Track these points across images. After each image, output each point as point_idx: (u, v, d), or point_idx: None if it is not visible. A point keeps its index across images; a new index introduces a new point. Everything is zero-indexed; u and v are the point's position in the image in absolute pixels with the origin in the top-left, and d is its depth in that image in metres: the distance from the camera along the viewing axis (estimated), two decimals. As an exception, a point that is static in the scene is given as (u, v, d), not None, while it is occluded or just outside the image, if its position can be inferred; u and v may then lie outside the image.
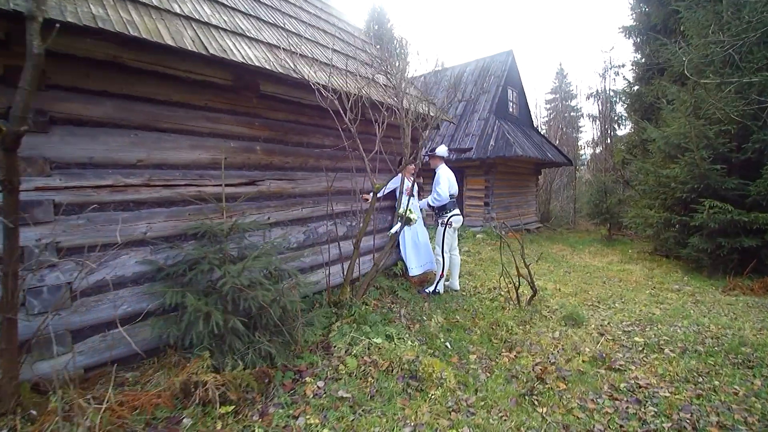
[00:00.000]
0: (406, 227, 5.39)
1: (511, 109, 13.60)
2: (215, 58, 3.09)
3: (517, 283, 4.61)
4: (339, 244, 4.45)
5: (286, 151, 4.18)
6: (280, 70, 3.59)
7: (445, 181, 5.01)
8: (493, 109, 12.53)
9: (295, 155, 4.28)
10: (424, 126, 6.30)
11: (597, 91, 20.66)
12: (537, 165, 14.63)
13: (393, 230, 4.16)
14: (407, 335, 3.65)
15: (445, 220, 5.05)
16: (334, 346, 3.33)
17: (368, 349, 3.30)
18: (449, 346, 3.58)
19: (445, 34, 75.78)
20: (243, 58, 3.31)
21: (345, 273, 4.07)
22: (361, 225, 4.81)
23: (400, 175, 5.50)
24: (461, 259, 7.23)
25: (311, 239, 4.42)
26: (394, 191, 5.49)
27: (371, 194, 5.18)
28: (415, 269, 5.34)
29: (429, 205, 5.31)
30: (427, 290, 5.10)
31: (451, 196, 5.09)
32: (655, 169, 8.58)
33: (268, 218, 3.96)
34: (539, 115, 29.06)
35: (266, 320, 2.96)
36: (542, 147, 13.55)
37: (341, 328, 3.52)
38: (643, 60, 13.12)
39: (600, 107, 20.50)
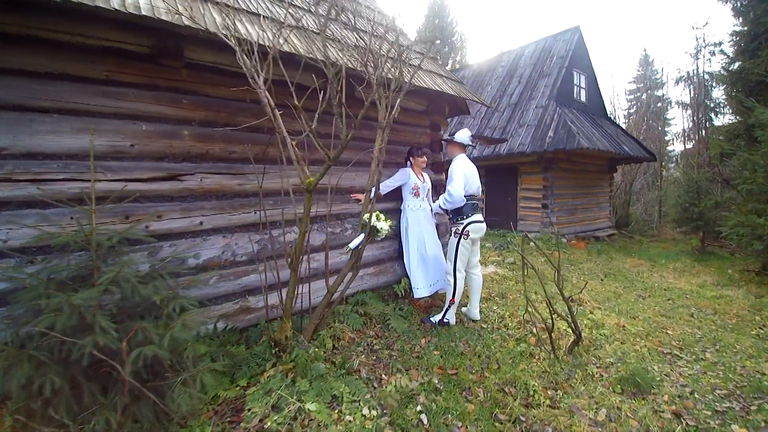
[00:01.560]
0: (410, 234, 4.18)
1: (577, 95, 11.52)
2: (124, 17, 2.24)
3: (551, 324, 3.17)
4: (309, 258, 3.40)
5: (233, 137, 3.23)
6: (212, 30, 2.64)
7: (461, 177, 3.71)
8: (554, 94, 10.63)
9: (249, 143, 3.31)
10: (441, 110, 5.05)
11: (688, 73, 17.28)
12: (611, 160, 12.29)
13: (352, 245, 2.99)
14: (366, 397, 2.48)
15: (460, 228, 3.75)
16: (248, 410, 2.28)
17: (294, 420, 2.20)
18: (425, 422, 2.34)
19: (508, 15, 71.37)
20: (157, 14, 2.42)
21: (285, 301, 2.99)
22: (349, 234, 3.74)
23: (406, 169, 4.32)
24: (494, 275, 5.81)
25: (268, 250, 3.43)
26: (399, 189, 4.31)
27: (370, 193, 4.10)
28: (421, 290, 4.10)
29: (441, 208, 4.03)
30: (432, 319, 3.85)
31: (469, 196, 3.78)
32: (766, 162, 6.33)
33: (200, 223, 3.04)
34: (618, 105, 25.47)
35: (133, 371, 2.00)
36: (617, 139, 11.27)
37: (268, 382, 2.46)
38: (746, 28, 10.30)
39: (692, 93, 17.09)
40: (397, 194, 4.33)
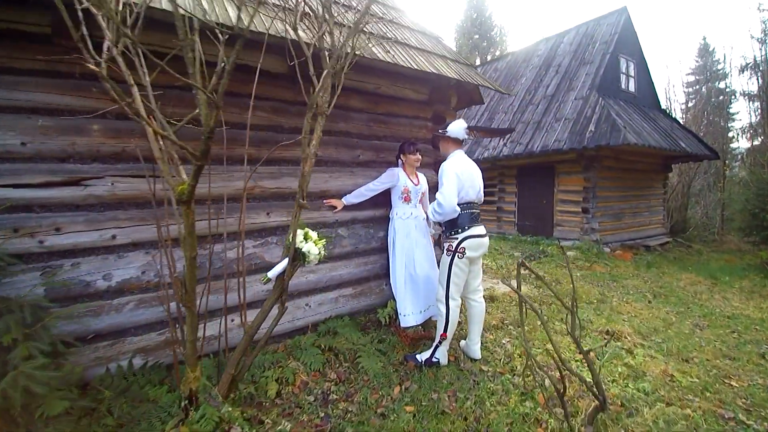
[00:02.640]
0: (397, 247, 3.42)
1: (624, 85, 10.11)
2: None
3: (561, 387, 2.28)
4: (241, 282, 2.75)
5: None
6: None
7: (453, 181, 2.89)
8: (596, 84, 9.35)
9: (184, 139, 2.71)
10: (445, 100, 4.23)
11: (755, 59, 14.98)
12: (665, 158, 10.73)
13: (271, 273, 2.23)
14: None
15: (454, 244, 2.94)
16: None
17: None
18: None
19: (549, 4, 67.48)
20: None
21: (186, 345, 2.30)
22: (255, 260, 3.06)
23: (395, 169, 3.56)
24: (515, 294, 4.85)
25: (204, 269, 2.80)
26: (388, 194, 3.56)
27: (341, 199, 3.40)
28: (409, 317, 3.32)
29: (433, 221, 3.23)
30: (419, 357, 3.06)
31: (465, 204, 2.96)
32: None
33: (113, 237, 2.46)
34: (674, 98, 22.93)
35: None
36: (672, 134, 9.76)
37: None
38: None
39: (759, 82, 14.77)
40: (386, 200, 3.58)
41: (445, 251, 3.00)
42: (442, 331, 2.97)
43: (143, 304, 2.57)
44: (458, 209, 2.87)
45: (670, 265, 7.89)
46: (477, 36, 30.34)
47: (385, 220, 3.68)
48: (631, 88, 10.36)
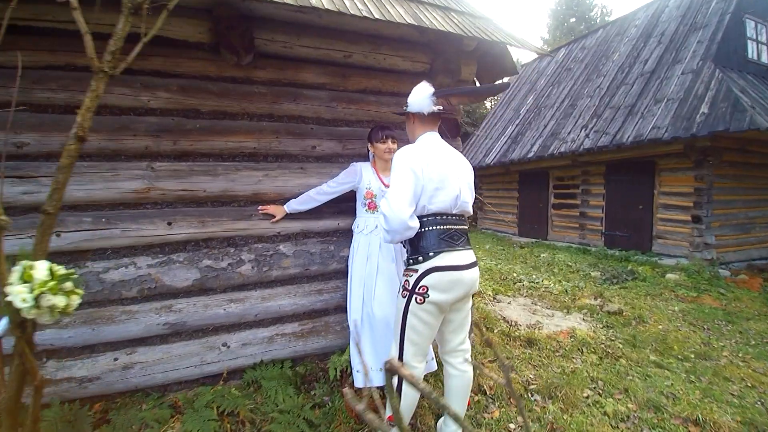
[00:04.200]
0: (354, 273, 2.42)
1: (752, 54, 7.42)
2: None
3: None
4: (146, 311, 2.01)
5: (20, 120, 2.03)
6: None
7: (405, 180, 1.76)
8: (711, 53, 6.97)
9: (50, 128, 2.08)
10: (452, 71, 3.04)
11: None
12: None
13: None
14: None
15: (411, 281, 1.84)
16: None
17: None
18: None
19: None
20: None
21: None
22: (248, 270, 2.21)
23: (357, 164, 2.56)
24: (569, 334, 3.31)
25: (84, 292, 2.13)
26: (353, 196, 2.57)
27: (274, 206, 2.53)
28: (363, 375, 2.29)
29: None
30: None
31: (430, 217, 1.83)
32: None
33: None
34: None
35: None
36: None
37: None
38: None
39: None
40: (351, 206, 2.59)
41: (400, 290, 1.90)
42: (388, 413, 1.88)
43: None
44: (414, 224, 1.76)
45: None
46: (573, 19, 26.91)
47: (344, 235, 2.69)
48: (763, 58, 7.59)
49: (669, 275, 6.03)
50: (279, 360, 2.49)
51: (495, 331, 3.65)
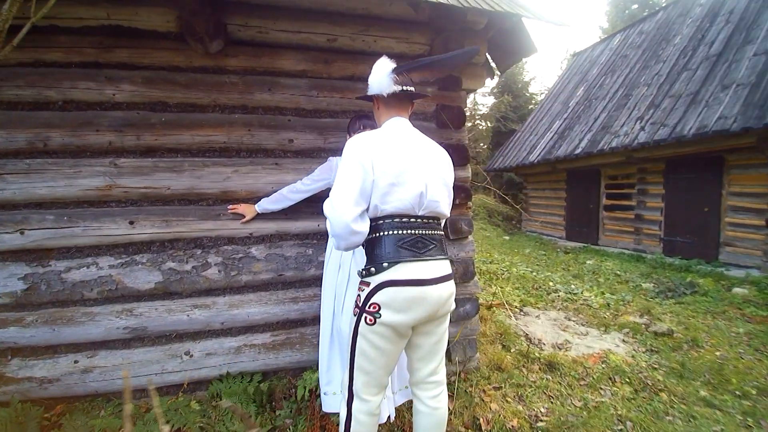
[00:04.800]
0: (326, 281, 2.15)
1: None
2: None
3: None
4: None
5: None
6: None
7: (351, 175, 1.44)
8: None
9: (17, 126, 2.03)
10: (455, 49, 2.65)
11: None
12: None
13: None
14: None
15: (363, 296, 1.50)
16: None
17: None
18: None
19: None
20: None
21: None
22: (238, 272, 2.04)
23: (334, 159, 2.27)
24: (602, 358, 2.74)
25: (42, 293, 2.05)
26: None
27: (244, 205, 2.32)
28: (333, 397, 2.00)
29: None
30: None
31: (386, 220, 1.50)
32: None
33: None
34: None
35: None
36: None
37: None
38: None
39: None
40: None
41: (353, 307, 1.59)
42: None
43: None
44: (361, 228, 1.45)
45: None
46: (635, 6, 24.54)
47: (317, 238, 2.41)
48: None
49: (736, 289, 5.09)
50: (248, 373, 2.28)
51: (512, 351, 3.19)
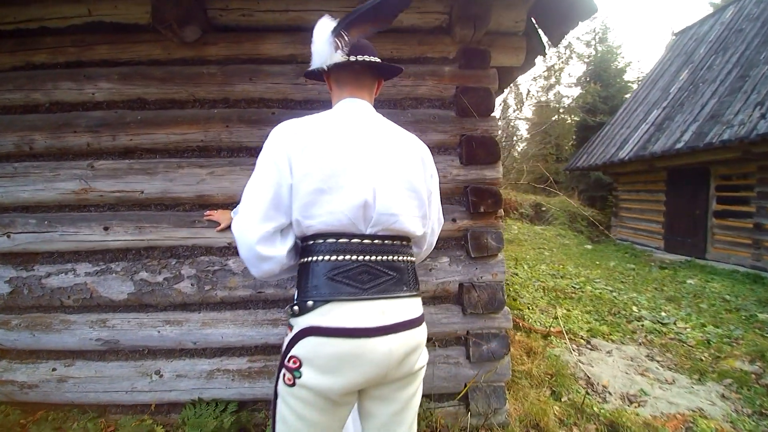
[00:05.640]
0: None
1: None
2: None
3: None
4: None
5: None
6: None
7: (266, 175, 1.04)
8: None
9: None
10: (480, 16, 2.05)
11: None
12: None
13: None
14: None
15: (285, 343, 1.05)
16: None
17: None
18: None
19: None
20: None
21: None
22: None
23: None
24: (686, 421, 2.03)
25: (24, 297, 1.99)
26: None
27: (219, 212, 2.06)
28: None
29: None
30: None
31: (312, 240, 1.05)
32: None
33: None
34: None
35: None
36: None
37: None
38: None
39: None
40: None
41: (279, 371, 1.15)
42: None
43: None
44: (271, 252, 1.03)
45: None
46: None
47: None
48: None
49: None
50: (223, 401, 1.99)
51: (562, 400, 2.48)
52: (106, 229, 1.97)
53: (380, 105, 2.11)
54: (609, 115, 14.60)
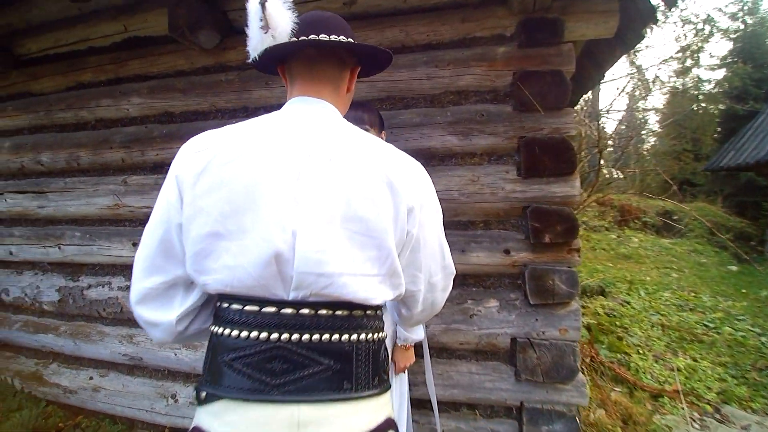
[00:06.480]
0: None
1: None
2: None
3: None
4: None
5: (47, 140, 2.14)
6: None
7: (158, 210, 0.71)
8: None
9: (74, 146, 2.11)
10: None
11: None
12: None
13: None
14: None
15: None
16: None
17: None
18: None
19: None
20: None
21: None
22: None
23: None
24: None
25: (70, 305, 2.07)
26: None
27: None
28: None
29: None
30: None
31: (219, 302, 0.71)
32: None
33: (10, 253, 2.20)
34: None
35: None
36: None
37: None
38: None
39: None
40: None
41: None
42: None
43: (25, 327, 2.20)
44: (154, 317, 0.74)
45: None
46: None
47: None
48: None
49: None
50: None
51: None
52: (134, 244, 1.95)
53: (412, 104, 1.69)
54: (763, 102, 11.31)
